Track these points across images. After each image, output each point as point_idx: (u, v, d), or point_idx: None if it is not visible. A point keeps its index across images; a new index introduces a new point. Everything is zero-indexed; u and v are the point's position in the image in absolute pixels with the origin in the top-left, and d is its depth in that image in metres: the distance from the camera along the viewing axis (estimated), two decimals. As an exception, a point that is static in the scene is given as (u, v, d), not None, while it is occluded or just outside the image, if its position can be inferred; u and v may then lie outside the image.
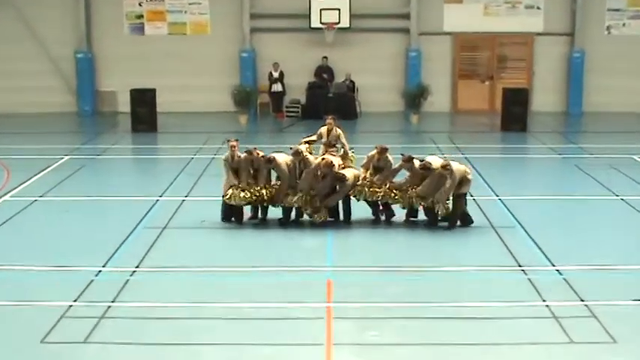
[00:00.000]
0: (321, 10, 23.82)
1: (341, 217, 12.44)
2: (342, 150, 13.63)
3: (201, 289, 9.60)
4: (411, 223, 12.31)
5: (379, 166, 12.23)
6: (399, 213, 12.38)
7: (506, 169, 17.29)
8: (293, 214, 12.40)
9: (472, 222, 12.18)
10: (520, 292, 9.48)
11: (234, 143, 12.16)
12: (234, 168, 12.13)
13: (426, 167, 11.95)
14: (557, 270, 10.22)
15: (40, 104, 24.79)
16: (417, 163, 12.10)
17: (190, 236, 11.84)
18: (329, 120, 13.91)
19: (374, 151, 12.35)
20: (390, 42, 24.98)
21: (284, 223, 12.32)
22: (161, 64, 24.82)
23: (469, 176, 12.04)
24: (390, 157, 12.28)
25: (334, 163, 12.19)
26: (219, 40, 24.99)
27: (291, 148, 12.40)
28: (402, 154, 12.36)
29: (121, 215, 12.87)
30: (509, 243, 11.36)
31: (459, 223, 12.10)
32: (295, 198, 12.06)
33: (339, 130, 13.84)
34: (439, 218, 12.11)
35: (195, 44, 25.03)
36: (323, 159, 12.29)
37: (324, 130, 13.83)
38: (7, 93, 24.78)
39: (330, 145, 13.65)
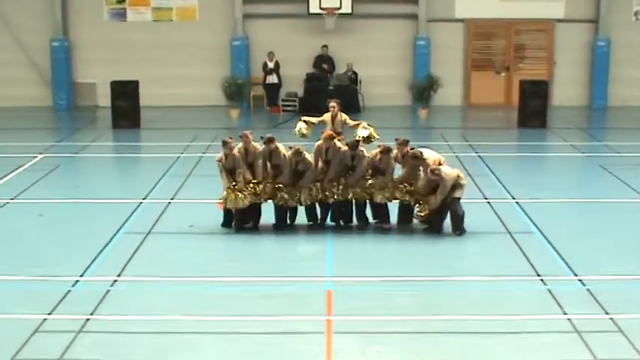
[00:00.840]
0: (320, -7, 23.88)
1: (341, 221, 12.45)
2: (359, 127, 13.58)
3: (189, 301, 9.60)
4: (419, 228, 12.32)
5: (380, 168, 12.19)
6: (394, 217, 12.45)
7: (523, 169, 17.31)
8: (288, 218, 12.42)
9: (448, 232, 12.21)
10: (539, 305, 9.48)
11: (230, 142, 12.09)
12: (229, 168, 12.09)
13: (416, 156, 11.97)
14: (580, 280, 10.23)
15: (11, 97, 24.79)
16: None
17: (177, 242, 11.84)
18: (332, 104, 13.85)
19: (375, 150, 12.31)
20: (397, 29, 25.01)
21: (279, 228, 12.32)
22: (145, 54, 24.84)
23: (462, 181, 12.06)
24: (392, 159, 12.26)
25: (333, 134, 12.27)
26: (209, 27, 25.01)
27: (290, 147, 12.41)
28: (395, 139, 12.33)
29: (101, 219, 12.87)
30: (527, 250, 11.36)
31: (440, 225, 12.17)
32: (304, 196, 12.08)
33: (344, 115, 13.78)
34: (416, 218, 12.24)
35: (183, 32, 25.04)
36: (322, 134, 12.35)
37: (327, 117, 13.78)
38: (-25, 85, 24.84)
39: (335, 133, 13.52)
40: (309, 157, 12.26)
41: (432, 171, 11.82)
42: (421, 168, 12.07)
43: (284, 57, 24.28)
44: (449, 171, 12.01)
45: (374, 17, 24.75)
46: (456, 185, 11.96)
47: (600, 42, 24.75)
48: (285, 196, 12.11)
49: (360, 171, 12.12)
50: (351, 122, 13.77)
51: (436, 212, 12.05)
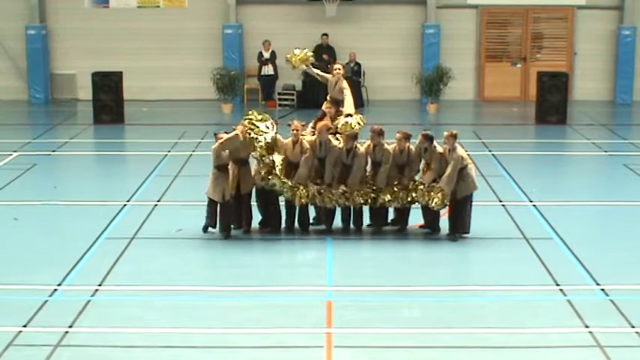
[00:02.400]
0: (320, -22, 23.90)
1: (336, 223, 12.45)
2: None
3: (177, 312, 9.61)
4: (427, 233, 12.34)
5: (375, 160, 12.18)
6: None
7: (541, 169, 17.32)
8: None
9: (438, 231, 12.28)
10: (558, 316, 9.50)
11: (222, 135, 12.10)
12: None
13: (429, 136, 12.05)
14: (603, 290, 10.25)
15: (-18, 90, 24.83)
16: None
17: (163, 248, 11.85)
18: (337, 66, 13.70)
19: (368, 142, 12.23)
20: (404, 16, 25.01)
21: (274, 232, 12.33)
22: (129, 43, 24.83)
23: (470, 165, 12.07)
24: (387, 147, 12.15)
25: (330, 126, 12.27)
26: (199, 14, 25.01)
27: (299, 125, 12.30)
28: (397, 132, 12.31)
29: (81, 223, 12.88)
30: (545, 257, 11.37)
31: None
32: (303, 192, 12.01)
33: (345, 83, 13.64)
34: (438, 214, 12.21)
35: (170, 19, 25.04)
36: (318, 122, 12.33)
37: (331, 79, 13.58)
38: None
39: (334, 103, 13.42)
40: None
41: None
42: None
43: (281, 47, 24.14)
44: (459, 148, 12.05)
45: (379, 3, 24.77)
46: (466, 173, 11.95)
47: (625, 31, 24.74)
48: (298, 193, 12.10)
49: (358, 170, 12.06)
50: (346, 98, 13.61)
51: (451, 213, 12.11)
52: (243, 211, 12.28)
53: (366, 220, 12.47)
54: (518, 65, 25.45)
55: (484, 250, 11.82)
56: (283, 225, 12.40)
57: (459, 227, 12.09)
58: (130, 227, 12.62)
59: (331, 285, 10.47)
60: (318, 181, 12.08)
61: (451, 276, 10.94)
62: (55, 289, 10.20)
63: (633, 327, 9.13)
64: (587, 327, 9.15)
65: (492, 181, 15.29)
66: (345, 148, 12.08)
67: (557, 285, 10.41)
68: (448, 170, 11.84)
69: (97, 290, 10.22)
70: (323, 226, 12.42)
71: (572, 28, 25.26)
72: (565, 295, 10.10)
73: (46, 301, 9.83)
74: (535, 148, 19.66)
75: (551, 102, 21.56)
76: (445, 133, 12.11)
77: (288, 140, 12.10)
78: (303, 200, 12.03)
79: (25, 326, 9.11)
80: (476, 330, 9.11)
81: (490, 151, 18.07)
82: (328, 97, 13.50)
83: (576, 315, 9.47)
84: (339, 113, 13.03)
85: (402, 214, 12.35)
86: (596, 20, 25.06)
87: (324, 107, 13.18)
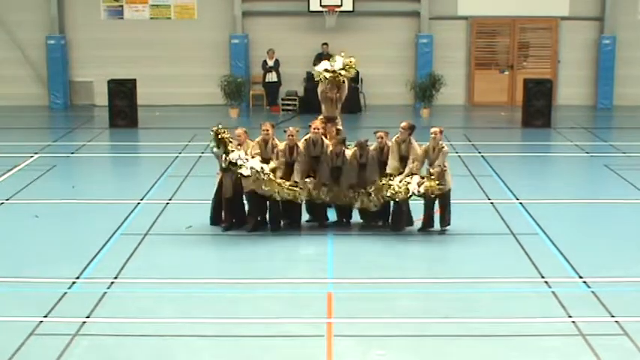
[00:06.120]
0: (321, -9, 23.87)
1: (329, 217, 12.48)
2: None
3: (187, 304, 9.60)
4: (422, 229, 12.33)
5: (362, 163, 12.16)
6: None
7: (527, 169, 17.29)
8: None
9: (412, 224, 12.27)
10: (543, 307, 9.48)
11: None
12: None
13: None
14: (585, 282, 10.23)
15: (5, 96, 24.76)
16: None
17: (175, 244, 11.84)
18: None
19: (353, 148, 12.23)
20: (399, 27, 24.99)
21: (275, 229, 12.31)
22: (142, 52, 24.82)
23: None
24: (373, 153, 12.17)
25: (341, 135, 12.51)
26: (208, 25, 25.00)
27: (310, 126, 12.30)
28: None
29: (98, 221, 12.87)
30: (531, 252, 11.36)
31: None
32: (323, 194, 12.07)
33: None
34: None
35: (181, 30, 25.03)
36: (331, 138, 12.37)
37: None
38: (-31, 83, 24.85)
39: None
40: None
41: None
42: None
43: (284, 55, 24.27)
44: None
45: (375, 15, 24.75)
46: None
47: (605, 40, 24.70)
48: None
49: (346, 172, 12.06)
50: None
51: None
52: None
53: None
54: (506, 72, 25.42)
55: (474, 245, 11.81)
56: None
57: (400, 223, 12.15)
58: (144, 224, 12.61)
59: (331, 278, 10.46)
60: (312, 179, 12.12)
61: (444, 269, 10.92)
62: (74, 282, 10.20)
63: (613, 317, 9.12)
64: (570, 317, 9.14)
65: (482, 180, 15.27)
66: (334, 152, 12.09)
67: (543, 277, 10.40)
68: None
69: (112, 283, 10.22)
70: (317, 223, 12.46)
71: (556, 37, 25.23)
72: (550, 287, 10.09)
73: (65, 293, 9.82)
74: (521, 149, 19.63)
75: (537, 107, 21.54)
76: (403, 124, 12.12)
77: (284, 143, 12.16)
78: (301, 197, 12.04)
79: (45, 317, 9.11)
80: (467, 320, 9.10)
81: (479, 152, 18.06)
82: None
83: (560, 305, 9.47)
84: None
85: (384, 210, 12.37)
86: (578, 30, 25.03)
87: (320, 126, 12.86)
